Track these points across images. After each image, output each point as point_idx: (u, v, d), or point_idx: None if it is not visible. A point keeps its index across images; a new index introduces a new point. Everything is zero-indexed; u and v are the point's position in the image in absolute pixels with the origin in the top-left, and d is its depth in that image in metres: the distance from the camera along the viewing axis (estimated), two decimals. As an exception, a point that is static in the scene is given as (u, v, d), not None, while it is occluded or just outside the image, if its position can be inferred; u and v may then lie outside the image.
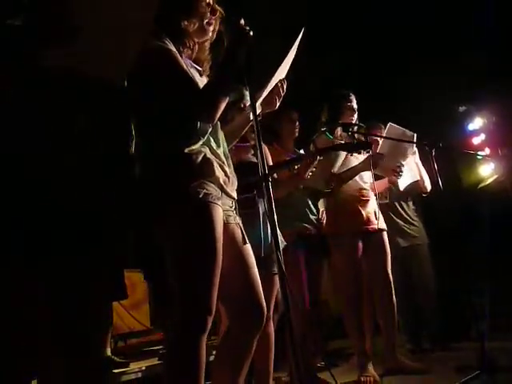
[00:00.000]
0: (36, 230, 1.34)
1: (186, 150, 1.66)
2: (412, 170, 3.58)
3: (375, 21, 4.74)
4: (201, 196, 1.62)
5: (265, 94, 2.04)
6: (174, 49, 1.73)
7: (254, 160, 2.49)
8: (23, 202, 1.35)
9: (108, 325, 3.10)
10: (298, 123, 3.22)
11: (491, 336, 2.89)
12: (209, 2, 1.81)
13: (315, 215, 3.12)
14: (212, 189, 1.66)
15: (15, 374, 1.37)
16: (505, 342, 3.24)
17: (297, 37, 2.00)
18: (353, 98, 3.32)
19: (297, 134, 3.23)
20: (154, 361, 3.28)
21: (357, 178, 3.23)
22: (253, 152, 2.57)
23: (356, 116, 3.30)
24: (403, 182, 3.59)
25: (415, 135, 3.21)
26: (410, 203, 4.05)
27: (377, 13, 4.73)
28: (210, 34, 1.85)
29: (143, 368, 3.04)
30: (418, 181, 3.64)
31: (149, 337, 4.15)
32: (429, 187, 3.68)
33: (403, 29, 4.70)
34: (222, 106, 1.70)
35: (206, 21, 1.81)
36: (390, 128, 3.18)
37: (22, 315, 1.37)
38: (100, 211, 1.50)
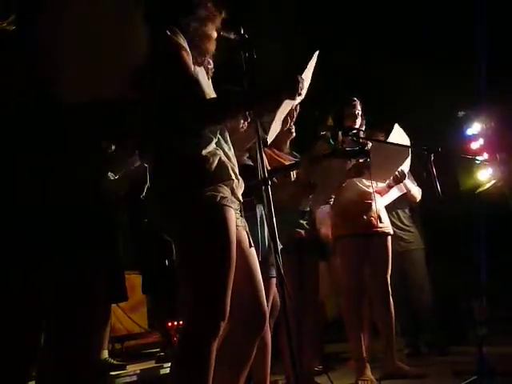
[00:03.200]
0: (38, 229, 1.34)
1: (204, 153, 1.65)
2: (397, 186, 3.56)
3: (375, 24, 4.76)
4: (217, 200, 1.63)
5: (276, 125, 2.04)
6: (186, 46, 1.70)
7: (250, 163, 2.49)
8: (23, 201, 1.35)
9: (106, 326, 3.10)
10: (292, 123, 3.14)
11: (489, 341, 2.89)
12: (209, 7, 1.80)
13: (305, 220, 3.10)
14: (227, 192, 1.67)
15: (13, 375, 1.37)
16: (503, 346, 3.25)
17: (309, 60, 1.99)
18: (356, 103, 3.29)
19: (294, 135, 3.15)
20: (152, 363, 3.27)
21: (357, 181, 3.23)
22: (248, 155, 2.55)
23: (359, 121, 3.29)
24: (387, 199, 3.58)
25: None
26: (406, 210, 4.07)
27: (376, 17, 4.76)
28: (215, 37, 1.83)
29: (140, 371, 3.03)
30: (404, 194, 3.65)
31: (147, 339, 4.15)
32: (418, 196, 3.70)
33: (402, 33, 4.72)
34: (218, 125, 1.71)
35: (213, 27, 1.81)
36: (396, 129, 3.17)
37: (22, 315, 1.37)
38: (101, 210, 1.49)
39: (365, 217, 3.18)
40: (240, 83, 1.83)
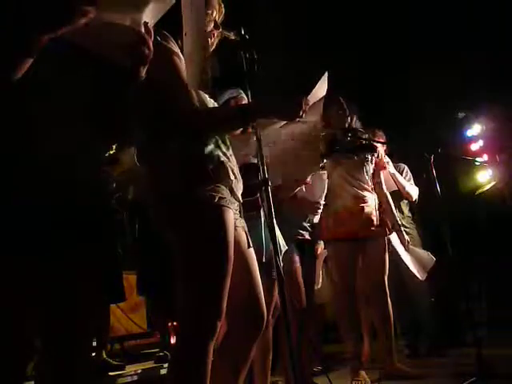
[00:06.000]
0: (35, 229, 1.34)
1: (202, 153, 1.65)
2: (386, 182, 3.55)
3: (374, 24, 4.77)
4: (216, 200, 1.62)
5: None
6: (177, 50, 1.71)
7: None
8: (22, 200, 1.34)
9: (105, 327, 3.10)
10: None
11: (488, 342, 2.89)
12: (213, 16, 1.80)
13: (309, 222, 3.11)
14: (225, 192, 1.67)
15: (11, 375, 1.36)
16: (502, 348, 3.25)
17: (317, 81, 1.98)
18: (341, 99, 3.26)
19: None
20: (151, 364, 3.27)
21: (350, 185, 3.22)
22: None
23: (348, 113, 3.25)
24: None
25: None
26: (406, 210, 4.07)
27: (376, 17, 4.76)
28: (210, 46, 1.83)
29: (139, 371, 3.03)
30: (395, 191, 3.64)
31: (146, 340, 4.15)
32: (413, 195, 3.71)
33: (402, 34, 4.73)
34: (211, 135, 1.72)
35: (208, 30, 1.81)
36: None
37: (19, 316, 1.37)
38: (100, 209, 1.49)
39: (359, 220, 3.17)
40: (241, 84, 1.83)
